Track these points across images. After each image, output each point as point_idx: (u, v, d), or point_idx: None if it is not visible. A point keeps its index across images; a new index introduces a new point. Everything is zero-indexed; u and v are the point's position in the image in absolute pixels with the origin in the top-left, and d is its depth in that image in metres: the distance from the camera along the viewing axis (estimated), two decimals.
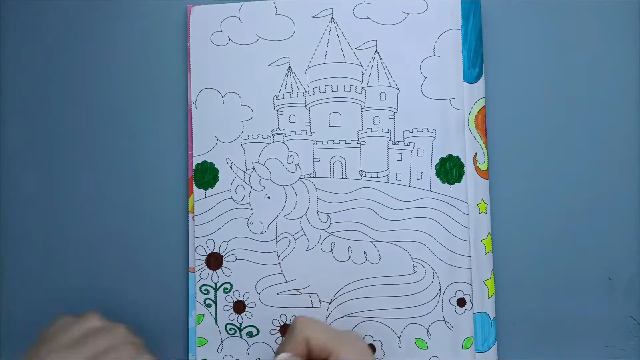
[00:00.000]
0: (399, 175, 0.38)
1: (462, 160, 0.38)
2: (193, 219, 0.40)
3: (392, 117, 0.39)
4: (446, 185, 0.38)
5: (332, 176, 0.39)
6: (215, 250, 0.39)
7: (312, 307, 0.39)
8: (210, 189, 0.40)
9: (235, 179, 0.40)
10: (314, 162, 0.39)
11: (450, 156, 0.38)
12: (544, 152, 0.39)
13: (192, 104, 0.40)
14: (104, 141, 0.42)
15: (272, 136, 0.40)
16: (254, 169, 0.40)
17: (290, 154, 0.39)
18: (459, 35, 0.38)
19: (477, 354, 0.38)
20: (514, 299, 0.39)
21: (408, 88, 0.39)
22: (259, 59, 0.40)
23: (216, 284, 0.39)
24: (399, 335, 0.38)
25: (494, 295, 0.38)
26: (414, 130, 0.39)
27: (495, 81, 0.39)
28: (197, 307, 0.39)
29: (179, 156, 0.41)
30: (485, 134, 0.39)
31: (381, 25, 0.39)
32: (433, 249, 0.38)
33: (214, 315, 0.39)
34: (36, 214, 0.42)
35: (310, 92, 0.39)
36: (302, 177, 0.39)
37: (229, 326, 0.39)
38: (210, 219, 0.40)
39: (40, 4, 0.43)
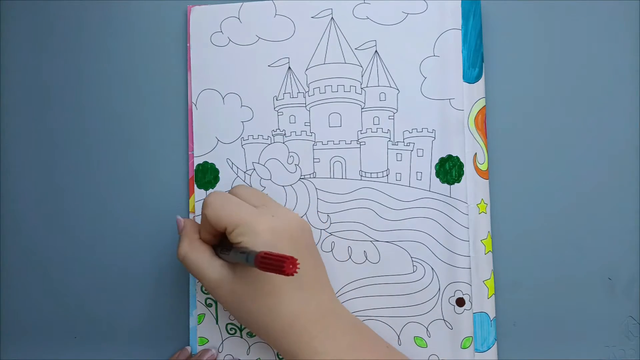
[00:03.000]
0: (398, 175, 0.39)
1: (461, 160, 0.38)
2: (194, 219, 0.40)
3: (392, 117, 0.39)
4: (446, 185, 0.38)
5: (332, 176, 0.39)
6: None
7: None
8: (211, 189, 0.40)
9: (236, 180, 0.40)
10: (314, 162, 0.39)
11: (449, 156, 0.38)
12: (544, 152, 0.39)
13: (193, 105, 0.40)
14: (104, 141, 0.42)
15: (272, 137, 0.40)
16: (255, 169, 0.40)
17: (290, 154, 0.39)
18: (459, 35, 0.38)
19: (476, 353, 0.38)
20: (514, 299, 0.39)
21: (408, 88, 0.39)
22: (259, 60, 0.40)
23: None
24: (398, 334, 0.38)
25: (493, 295, 0.38)
26: (414, 131, 0.39)
27: (495, 81, 0.39)
28: (198, 307, 0.40)
29: (180, 156, 0.41)
30: (485, 134, 0.39)
31: (381, 25, 0.39)
32: (433, 249, 0.38)
33: (214, 315, 0.39)
34: (36, 214, 0.42)
35: (310, 93, 0.39)
36: (302, 177, 0.39)
37: (229, 326, 0.39)
38: None
39: (40, 4, 0.43)
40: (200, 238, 0.36)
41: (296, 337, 0.32)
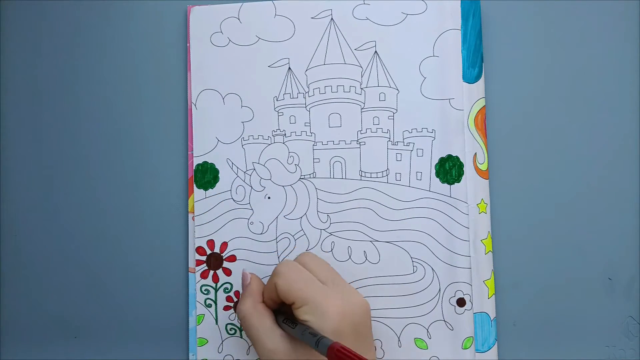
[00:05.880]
0: (398, 175, 0.39)
1: (461, 160, 0.38)
2: (193, 219, 0.40)
3: (392, 117, 0.39)
4: (446, 185, 0.38)
5: (332, 176, 0.39)
6: (215, 251, 0.39)
7: None
8: (210, 189, 0.40)
9: (236, 180, 0.40)
10: (314, 162, 0.39)
11: (449, 156, 0.38)
12: (544, 152, 0.39)
13: (193, 105, 0.40)
14: (104, 141, 0.42)
15: (272, 137, 0.40)
16: (254, 169, 0.40)
17: (291, 154, 0.39)
18: (458, 35, 0.38)
19: (477, 354, 0.38)
20: (514, 299, 0.39)
21: (407, 88, 0.39)
22: (259, 60, 0.40)
23: (216, 284, 0.39)
24: (398, 335, 0.38)
25: (494, 295, 0.38)
26: (414, 131, 0.39)
27: (495, 81, 0.39)
28: (197, 307, 0.40)
29: (179, 156, 0.41)
30: (485, 134, 0.39)
31: (380, 25, 0.39)
32: (433, 249, 0.38)
33: (214, 315, 0.39)
34: (36, 214, 0.42)
35: (310, 93, 0.39)
36: (302, 177, 0.39)
37: (229, 326, 0.39)
38: (211, 219, 0.40)
39: (40, 4, 0.43)
40: (263, 300, 0.36)
41: None
